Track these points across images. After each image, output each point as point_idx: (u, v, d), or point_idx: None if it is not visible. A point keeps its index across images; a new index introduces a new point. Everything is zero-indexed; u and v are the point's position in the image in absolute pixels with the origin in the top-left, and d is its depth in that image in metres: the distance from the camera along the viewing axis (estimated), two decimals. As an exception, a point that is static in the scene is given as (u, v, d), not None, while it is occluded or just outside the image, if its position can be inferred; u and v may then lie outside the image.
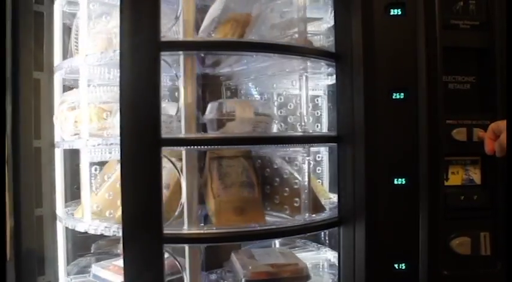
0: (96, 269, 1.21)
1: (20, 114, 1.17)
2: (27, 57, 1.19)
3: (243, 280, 1.07)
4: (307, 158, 1.09)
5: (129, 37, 0.91)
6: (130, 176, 0.91)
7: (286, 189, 1.14)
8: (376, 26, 0.98)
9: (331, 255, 1.35)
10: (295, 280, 1.11)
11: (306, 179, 1.08)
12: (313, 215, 1.08)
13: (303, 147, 1.09)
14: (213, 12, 1.09)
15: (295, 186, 1.12)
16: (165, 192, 1.04)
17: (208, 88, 1.26)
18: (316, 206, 1.14)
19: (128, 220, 0.91)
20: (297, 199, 1.10)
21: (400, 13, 0.98)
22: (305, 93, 1.08)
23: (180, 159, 1.11)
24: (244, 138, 0.99)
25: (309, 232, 1.15)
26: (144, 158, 0.91)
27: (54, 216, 1.23)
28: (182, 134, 0.99)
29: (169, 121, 1.07)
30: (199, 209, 1.11)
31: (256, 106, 1.16)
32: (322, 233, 1.41)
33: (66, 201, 1.28)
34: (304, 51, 1.05)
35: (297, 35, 1.07)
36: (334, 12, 1.09)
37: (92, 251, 1.41)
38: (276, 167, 1.21)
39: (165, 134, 0.96)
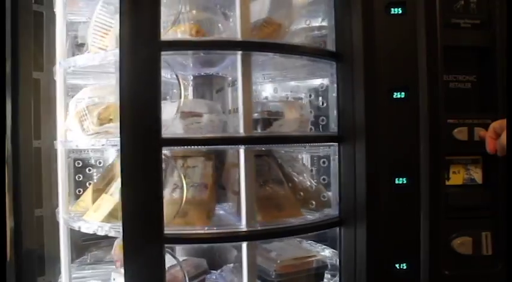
0: (117, 275, 1.14)
1: (19, 115, 1.17)
2: (26, 58, 1.19)
3: (274, 274, 1.09)
4: (336, 155, 1.09)
5: (129, 36, 0.91)
6: (131, 176, 0.91)
7: (312, 185, 1.17)
8: (376, 25, 0.98)
9: (319, 247, 1.36)
10: (317, 270, 1.15)
11: (336, 174, 1.09)
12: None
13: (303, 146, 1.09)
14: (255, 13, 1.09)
15: (323, 182, 1.17)
16: (204, 193, 1.06)
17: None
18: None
19: (128, 220, 0.90)
20: (325, 194, 1.14)
21: (400, 12, 0.98)
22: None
23: (209, 158, 1.12)
24: (245, 138, 0.98)
25: (311, 232, 1.15)
26: (145, 158, 0.91)
27: (54, 217, 1.23)
28: (183, 134, 0.99)
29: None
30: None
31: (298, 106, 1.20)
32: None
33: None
34: (304, 50, 1.05)
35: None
36: (335, 12, 1.08)
37: (88, 261, 1.40)
38: (296, 164, 1.25)
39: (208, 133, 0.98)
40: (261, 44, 1.01)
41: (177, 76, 1.03)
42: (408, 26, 0.98)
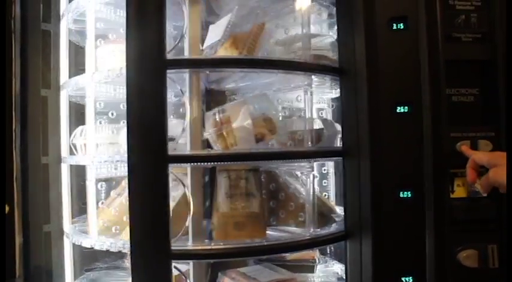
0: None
1: (28, 131, 1.18)
2: (35, 75, 1.20)
3: None
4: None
5: (135, 55, 0.93)
6: (137, 192, 0.92)
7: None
8: (379, 40, 0.99)
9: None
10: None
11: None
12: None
13: (308, 162, 1.09)
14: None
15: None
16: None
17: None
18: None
19: (135, 237, 0.91)
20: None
21: (402, 27, 0.99)
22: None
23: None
24: (249, 154, 1.00)
25: (316, 246, 1.16)
26: (152, 174, 0.92)
27: (61, 232, 1.24)
28: (188, 151, 1.00)
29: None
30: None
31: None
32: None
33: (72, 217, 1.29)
34: (307, 66, 1.07)
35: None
36: (337, 27, 1.10)
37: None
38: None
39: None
40: (266, 61, 1.03)
41: (182, 92, 1.04)
42: (410, 41, 0.99)
